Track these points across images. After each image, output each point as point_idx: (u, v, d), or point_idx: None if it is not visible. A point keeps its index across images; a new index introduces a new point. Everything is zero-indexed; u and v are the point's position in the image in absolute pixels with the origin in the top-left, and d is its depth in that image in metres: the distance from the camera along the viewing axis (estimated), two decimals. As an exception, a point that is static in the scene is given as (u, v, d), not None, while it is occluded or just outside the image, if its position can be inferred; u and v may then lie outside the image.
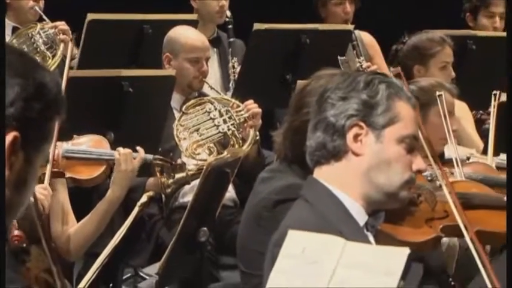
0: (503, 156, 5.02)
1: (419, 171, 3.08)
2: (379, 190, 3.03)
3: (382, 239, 3.04)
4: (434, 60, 6.02)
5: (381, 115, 3.03)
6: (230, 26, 6.65)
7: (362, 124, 3.03)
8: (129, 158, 4.86)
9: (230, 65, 6.53)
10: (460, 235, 3.17)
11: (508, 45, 5.45)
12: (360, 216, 3.05)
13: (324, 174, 3.07)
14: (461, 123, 5.89)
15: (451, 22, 7.05)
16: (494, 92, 5.65)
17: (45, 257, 3.77)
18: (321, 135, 3.06)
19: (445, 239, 3.57)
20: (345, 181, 3.04)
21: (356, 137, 3.03)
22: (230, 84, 6.47)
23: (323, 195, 3.05)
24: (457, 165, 4.35)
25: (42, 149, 2.03)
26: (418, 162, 3.05)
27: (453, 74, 6.00)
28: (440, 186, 3.24)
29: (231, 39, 6.62)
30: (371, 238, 3.05)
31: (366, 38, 6.99)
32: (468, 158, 4.84)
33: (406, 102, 3.06)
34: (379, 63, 6.87)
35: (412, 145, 3.05)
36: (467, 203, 3.20)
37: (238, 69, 6.49)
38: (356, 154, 3.03)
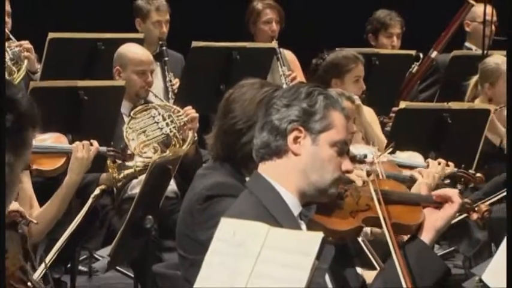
0: (398, 154, 5.05)
1: (347, 172, 3.09)
2: (313, 186, 3.04)
3: (313, 227, 3.03)
4: (349, 75, 6.04)
5: (317, 122, 3.03)
6: (164, 48, 6.62)
7: (301, 128, 3.03)
8: (85, 148, 4.83)
9: (167, 79, 6.52)
10: (378, 226, 3.18)
11: (508, 46, 5.42)
12: (295, 207, 3.05)
13: (266, 169, 3.07)
14: (371, 125, 5.94)
15: (357, 41, 7.11)
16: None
17: (20, 256, 3.70)
18: (266, 136, 3.06)
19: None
20: (284, 176, 3.05)
21: (295, 139, 3.04)
22: (169, 95, 6.46)
23: (265, 187, 3.05)
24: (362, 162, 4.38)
25: (21, 155, 2.02)
26: (347, 164, 3.07)
27: (364, 86, 6.03)
28: (365, 183, 3.24)
29: (166, 58, 6.60)
30: (303, 226, 3.06)
31: (288, 54, 7.03)
32: (365, 156, 4.84)
33: (340, 112, 3.07)
34: (299, 74, 6.93)
35: (342, 149, 3.07)
36: (385, 198, 3.22)
37: (175, 82, 6.47)
38: (295, 154, 3.04)
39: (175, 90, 6.42)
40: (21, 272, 2.84)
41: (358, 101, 5.87)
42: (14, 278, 2.78)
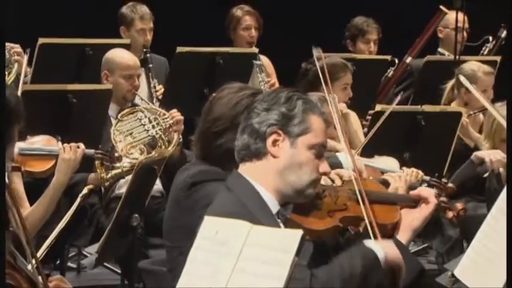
0: (375, 159, 5.06)
1: (324, 174, 3.09)
2: (290, 187, 3.05)
3: (291, 226, 3.04)
4: (338, 83, 6.04)
5: (296, 126, 3.04)
6: (148, 55, 6.61)
7: (280, 132, 3.04)
8: (72, 150, 4.81)
9: (152, 85, 6.52)
10: (356, 224, 3.18)
11: (509, 47, 5.41)
12: (273, 206, 3.05)
13: (246, 170, 3.08)
14: (356, 131, 5.95)
15: (336, 46, 7.12)
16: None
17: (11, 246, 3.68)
18: (246, 138, 3.07)
19: None
20: (263, 177, 3.05)
21: (274, 142, 3.04)
22: (154, 101, 6.46)
23: (244, 187, 3.05)
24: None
25: (7, 150, 2.01)
26: (324, 166, 3.07)
27: (351, 93, 6.04)
28: (343, 183, 3.24)
29: (150, 65, 6.59)
30: (281, 225, 3.06)
31: (263, 59, 7.05)
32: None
33: (318, 116, 3.08)
34: (273, 78, 6.97)
35: (320, 152, 3.07)
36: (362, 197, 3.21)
37: (158, 88, 6.47)
38: (274, 156, 3.04)
39: (159, 96, 6.43)
40: (11, 257, 2.82)
41: (345, 109, 5.89)
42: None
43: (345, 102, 5.99)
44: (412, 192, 3.26)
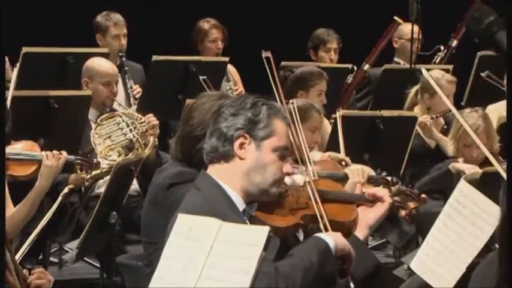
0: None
1: (287, 174, 3.10)
2: (256, 186, 3.04)
3: (256, 223, 3.03)
4: (314, 89, 6.05)
5: (261, 130, 3.04)
6: (124, 59, 6.60)
7: (246, 135, 3.03)
8: (55, 157, 4.78)
9: (129, 86, 6.51)
10: (315, 222, 3.17)
11: (509, 46, 5.40)
12: (240, 205, 3.05)
13: (214, 171, 3.07)
14: (327, 131, 5.96)
15: (300, 56, 7.13)
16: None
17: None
18: (214, 141, 3.06)
19: None
20: (230, 177, 3.04)
21: (241, 145, 3.04)
22: (131, 101, 6.44)
23: (213, 187, 3.04)
24: (310, 164, 4.38)
25: None
26: (287, 167, 3.08)
27: (325, 100, 6.05)
28: (305, 183, 3.24)
29: (126, 68, 6.57)
30: (247, 222, 3.04)
31: (230, 68, 7.05)
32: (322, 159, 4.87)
33: (282, 120, 3.07)
34: (240, 86, 6.98)
35: (283, 154, 3.06)
36: (322, 197, 3.21)
37: (135, 88, 6.46)
38: (240, 158, 3.04)
39: (136, 95, 6.40)
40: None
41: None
42: None
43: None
44: (367, 192, 3.26)
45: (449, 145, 5.50)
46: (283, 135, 3.06)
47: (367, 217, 3.17)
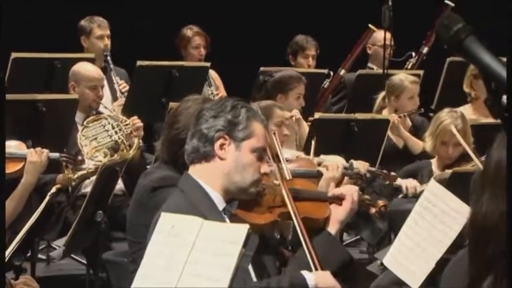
0: (323, 156, 5.08)
1: (265, 174, 3.10)
2: (235, 185, 3.05)
3: (236, 221, 3.04)
4: (292, 92, 6.06)
5: (240, 131, 3.05)
6: (109, 58, 6.59)
7: (226, 137, 3.04)
8: (38, 153, 4.79)
9: (115, 81, 6.50)
10: (292, 219, 3.19)
11: (508, 49, 5.41)
12: (220, 203, 3.05)
13: (195, 171, 3.07)
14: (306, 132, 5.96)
15: (279, 61, 7.14)
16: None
17: None
18: (196, 142, 3.06)
19: None
20: (211, 177, 3.04)
21: (221, 145, 3.04)
22: (118, 95, 6.42)
23: (194, 187, 3.04)
24: (284, 162, 4.38)
25: None
26: (265, 168, 3.08)
27: (303, 103, 6.07)
28: (279, 184, 3.26)
29: (111, 65, 6.56)
30: (227, 220, 3.06)
31: (212, 73, 7.05)
32: (297, 157, 4.88)
33: (260, 123, 3.08)
34: (222, 91, 6.98)
35: (261, 154, 3.08)
36: (297, 196, 3.24)
37: (121, 82, 6.45)
38: (221, 158, 3.04)
39: (122, 90, 6.39)
40: None
41: (298, 115, 5.93)
42: None
43: (299, 110, 6.03)
44: (335, 190, 3.28)
45: (426, 141, 5.52)
46: (261, 136, 3.07)
47: (337, 213, 3.20)
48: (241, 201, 3.13)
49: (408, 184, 5.35)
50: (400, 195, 5.59)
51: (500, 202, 2.25)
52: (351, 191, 3.23)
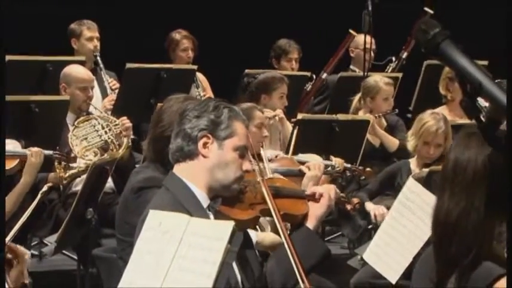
0: (301, 155, 5.09)
1: (246, 171, 3.11)
2: (218, 182, 3.05)
3: (220, 217, 3.06)
4: (276, 92, 6.07)
5: (223, 130, 3.05)
6: (98, 58, 6.57)
7: (209, 135, 3.05)
8: (38, 154, 4.78)
9: (105, 79, 6.49)
10: (272, 215, 3.21)
11: (508, 51, 5.40)
12: (204, 200, 3.05)
13: (180, 170, 3.07)
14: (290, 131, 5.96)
15: (263, 64, 7.14)
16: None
17: None
18: (180, 141, 3.06)
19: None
20: (195, 175, 3.05)
21: (205, 144, 3.05)
22: (108, 92, 6.40)
23: (179, 185, 3.04)
24: (266, 161, 4.41)
25: None
26: (246, 165, 3.09)
27: (286, 102, 6.08)
28: (259, 182, 3.27)
29: (101, 65, 6.54)
30: (211, 216, 3.06)
31: (199, 75, 7.05)
32: (276, 156, 4.89)
33: (241, 122, 3.09)
34: (209, 93, 6.97)
35: (243, 152, 3.09)
36: (277, 193, 3.27)
37: (110, 80, 6.45)
38: (204, 156, 3.05)
39: (113, 87, 6.38)
40: None
41: (282, 115, 5.93)
42: None
43: (282, 110, 6.05)
44: (313, 189, 3.32)
45: (409, 141, 5.54)
46: (242, 135, 3.08)
47: (316, 210, 3.23)
48: (224, 198, 3.14)
49: (376, 211, 5.34)
50: (370, 226, 5.65)
51: (460, 199, 2.28)
52: (328, 189, 3.26)
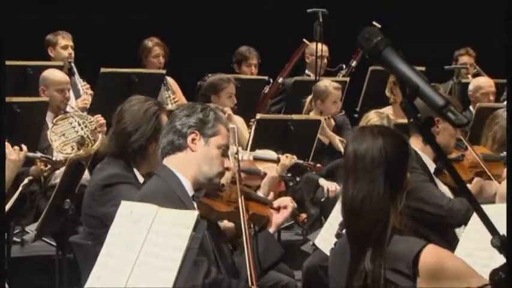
0: (258, 151, 5.11)
1: (227, 168, 3.21)
2: (203, 175, 3.14)
3: (202, 207, 3.16)
4: (224, 92, 6.08)
5: (209, 129, 3.16)
6: (73, 65, 6.54)
7: (197, 132, 3.15)
8: (17, 152, 4.73)
9: (78, 82, 6.44)
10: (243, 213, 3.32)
11: (508, 45, 5.40)
12: (190, 190, 3.13)
13: (170, 161, 3.14)
14: (241, 130, 5.97)
15: (226, 69, 7.14)
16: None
17: None
18: (171, 136, 3.15)
19: None
20: (183, 166, 3.12)
21: (193, 140, 3.14)
22: (81, 93, 6.36)
23: (170, 174, 3.11)
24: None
25: None
26: (227, 162, 3.21)
27: (235, 101, 6.08)
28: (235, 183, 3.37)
29: (75, 70, 6.50)
30: (195, 205, 3.13)
31: (170, 80, 7.03)
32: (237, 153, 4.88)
33: (224, 125, 3.21)
34: (179, 95, 6.95)
35: (225, 151, 3.19)
36: (248, 196, 3.42)
37: (83, 84, 6.41)
38: (192, 150, 3.13)
39: (86, 90, 6.36)
40: None
41: (229, 111, 5.93)
42: None
43: (231, 108, 6.05)
44: (278, 201, 3.45)
45: None
46: (225, 136, 3.19)
47: (276, 218, 3.39)
48: (207, 192, 3.25)
49: (330, 187, 5.38)
50: (323, 199, 5.71)
51: (363, 184, 2.41)
52: (289, 203, 3.41)
